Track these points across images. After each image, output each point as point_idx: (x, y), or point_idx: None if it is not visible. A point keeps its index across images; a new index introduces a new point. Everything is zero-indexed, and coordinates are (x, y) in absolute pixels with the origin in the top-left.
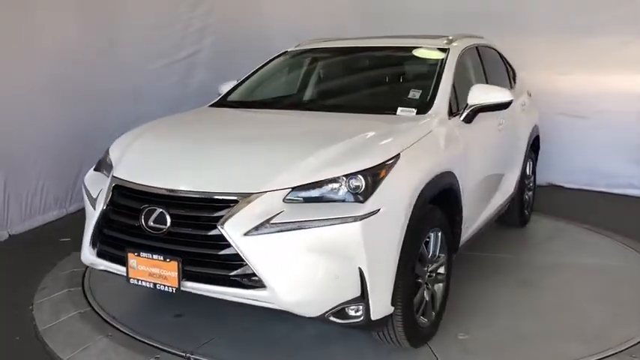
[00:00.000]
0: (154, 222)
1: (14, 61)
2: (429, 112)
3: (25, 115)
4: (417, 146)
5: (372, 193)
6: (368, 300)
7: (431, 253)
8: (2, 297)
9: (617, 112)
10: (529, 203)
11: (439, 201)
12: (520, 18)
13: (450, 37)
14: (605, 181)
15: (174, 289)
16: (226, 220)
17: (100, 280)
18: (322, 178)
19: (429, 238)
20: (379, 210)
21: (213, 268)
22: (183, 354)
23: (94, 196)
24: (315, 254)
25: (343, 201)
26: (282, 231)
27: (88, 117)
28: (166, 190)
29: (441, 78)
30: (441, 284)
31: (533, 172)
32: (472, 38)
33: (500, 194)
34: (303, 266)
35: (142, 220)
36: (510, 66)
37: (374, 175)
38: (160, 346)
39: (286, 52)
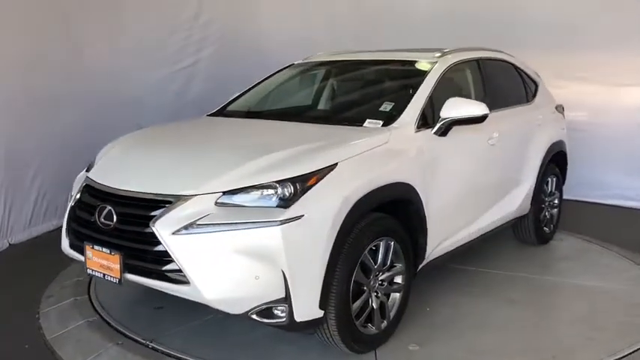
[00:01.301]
0: (104, 218)
1: (14, 72)
2: (394, 124)
3: (25, 125)
4: (361, 157)
5: (297, 199)
6: (291, 302)
7: (379, 261)
8: (7, 306)
9: (614, 125)
10: (550, 221)
11: (392, 211)
12: (518, 30)
13: (443, 51)
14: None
15: (117, 280)
16: (158, 219)
17: (105, 288)
18: (252, 184)
19: (375, 247)
20: (303, 216)
21: (148, 263)
22: (144, 340)
23: (72, 194)
24: (238, 255)
25: (272, 206)
26: (206, 232)
27: (88, 127)
28: (114, 189)
29: (416, 91)
30: (397, 294)
31: (559, 189)
32: (472, 51)
33: (498, 209)
34: (224, 266)
35: (97, 216)
36: (532, 80)
37: (302, 183)
38: (171, 352)
39: (293, 64)
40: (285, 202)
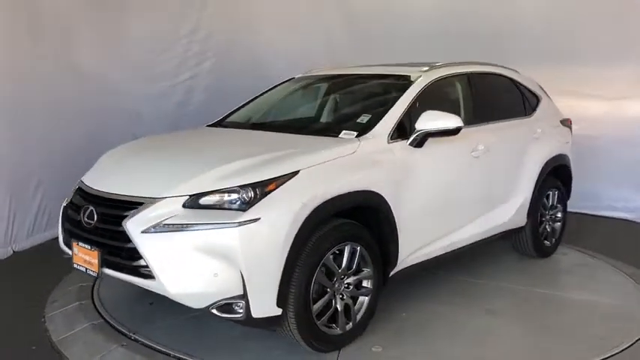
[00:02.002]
0: (87, 217)
1: (17, 85)
2: (366, 135)
3: (29, 136)
4: (325, 165)
5: (256, 203)
6: (248, 299)
7: (344, 265)
8: (14, 310)
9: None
10: (552, 234)
11: (360, 217)
12: (512, 44)
13: (430, 66)
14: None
15: (96, 273)
16: (130, 218)
17: (108, 292)
18: (217, 188)
19: (339, 251)
20: (259, 219)
21: (122, 259)
22: (128, 332)
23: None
24: (198, 253)
25: (234, 209)
26: (171, 231)
27: (90, 138)
28: (96, 191)
29: (393, 104)
30: (365, 297)
31: (561, 202)
32: (462, 66)
33: (486, 220)
34: (186, 263)
35: (82, 216)
36: (534, 94)
37: (262, 188)
38: (173, 353)
39: (293, 78)
40: (246, 206)
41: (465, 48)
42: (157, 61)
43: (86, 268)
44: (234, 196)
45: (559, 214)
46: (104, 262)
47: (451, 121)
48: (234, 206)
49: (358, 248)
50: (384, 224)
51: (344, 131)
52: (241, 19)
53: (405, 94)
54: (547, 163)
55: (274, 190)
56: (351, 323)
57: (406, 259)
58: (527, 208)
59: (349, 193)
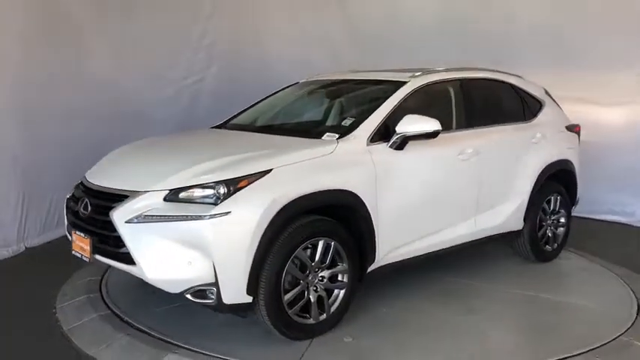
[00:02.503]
0: (83, 208)
1: (30, 87)
2: (346, 137)
3: (42, 137)
4: (300, 164)
5: (227, 198)
6: (219, 286)
7: (317, 259)
8: (26, 302)
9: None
10: (554, 239)
11: (336, 215)
12: (512, 50)
13: (421, 72)
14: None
15: (88, 259)
16: (115, 209)
17: (116, 286)
18: (194, 184)
19: (311, 245)
20: (229, 212)
21: (109, 246)
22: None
23: None
24: (174, 243)
25: (210, 203)
26: (151, 222)
27: (101, 139)
28: (91, 184)
29: (377, 108)
30: (341, 290)
31: (565, 208)
32: (455, 72)
33: (474, 223)
34: (163, 251)
35: (79, 207)
36: (537, 100)
37: (235, 184)
38: (174, 342)
39: (297, 83)
40: (219, 201)
41: (467, 53)
42: (165, 66)
43: (81, 254)
44: (210, 191)
45: (562, 220)
46: (95, 249)
47: (429, 124)
48: (209, 201)
49: (332, 243)
50: (361, 222)
51: (327, 133)
52: (246, 26)
53: (389, 99)
54: (546, 168)
55: (246, 186)
56: (325, 314)
57: (385, 256)
58: (524, 211)
59: (322, 192)
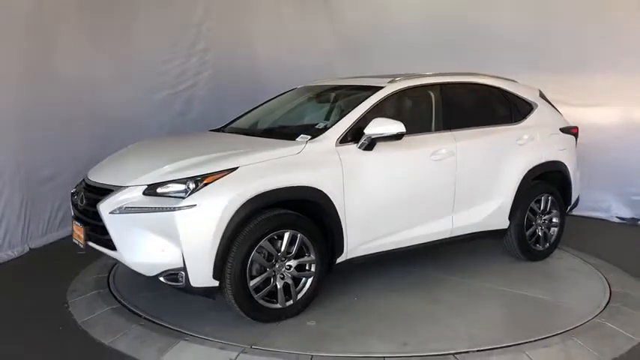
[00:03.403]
0: (80, 201)
1: (31, 93)
2: (317, 138)
3: (42, 142)
4: (266, 163)
5: (194, 192)
6: (187, 271)
7: (283, 249)
8: (36, 299)
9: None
10: (544, 239)
11: (304, 209)
12: (496, 53)
13: (397, 77)
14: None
15: (83, 245)
16: (102, 202)
17: (123, 282)
18: (168, 180)
19: (277, 236)
20: (195, 205)
21: (97, 234)
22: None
23: None
24: (149, 232)
25: (181, 197)
26: (129, 213)
27: (99, 143)
28: (88, 180)
29: (349, 112)
30: (309, 279)
31: (558, 208)
32: (434, 77)
33: (450, 220)
34: (139, 239)
35: (77, 200)
36: (527, 102)
37: (202, 180)
38: (184, 331)
39: (295, 89)
40: (186, 195)
41: (452, 57)
42: (159, 71)
43: (78, 242)
44: (181, 186)
45: (555, 220)
46: (87, 237)
47: (394, 127)
48: (181, 195)
49: (299, 235)
50: (328, 217)
51: (301, 135)
52: (238, 33)
53: (362, 104)
54: (533, 169)
55: (211, 182)
56: (291, 300)
57: (355, 249)
58: (508, 211)
59: (287, 188)
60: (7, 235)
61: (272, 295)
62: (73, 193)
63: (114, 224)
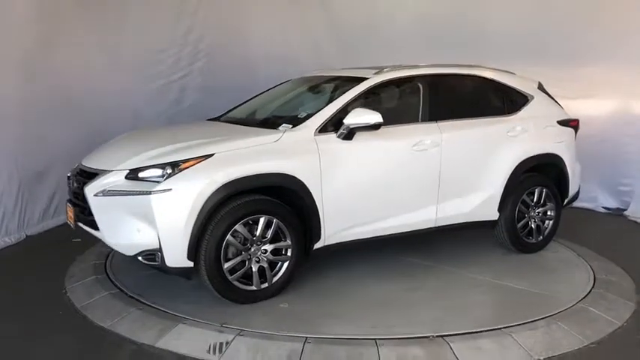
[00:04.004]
0: (72, 184)
1: (32, 82)
2: (296, 128)
3: (39, 131)
4: (242, 150)
5: (170, 177)
6: (162, 251)
7: (258, 233)
8: (35, 285)
9: None
10: (538, 231)
11: (279, 195)
12: (490, 46)
13: (381, 69)
14: None
15: (74, 225)
16: (87, 185)
17: (120, 268)
18: (147, 165)
19: (252, 221)
20: (170, 189)
21: (85, 215)
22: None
23: None
24: (127, 214)
25: (157, 181)
26: (111, 195)
27: (95, 132)
28: (80, 165)
29: (331, 102)
30: (285, 263)
31: (553, 200)
32: (423, 68)
33: (433, 210)
34: (119, 220)
35: (71, 183)
36: (522, 94)
37: (178, 166)
38: (182, 315)
39: (289, 80)
40: (163, 179)
41: (448, 49)
42: (153, 61)
43: (70, 222)
44: (160, 171)
45: (550, 212)
46: (77, 218)
47: (371, 117)
48: (159, 179)
49: (275, 221)
50: (304, 203)
51: (283, 124)
52: (231, 23)
53: (344, 94)
54: (524, 161)
55: (187, 168)
56: (266, 283)
57: (333, 236)
58: (498, 202)
59: (261, 174)
60: (4, 222)
61: (248, 278)
62: (68, 177)
63: (97, 206)
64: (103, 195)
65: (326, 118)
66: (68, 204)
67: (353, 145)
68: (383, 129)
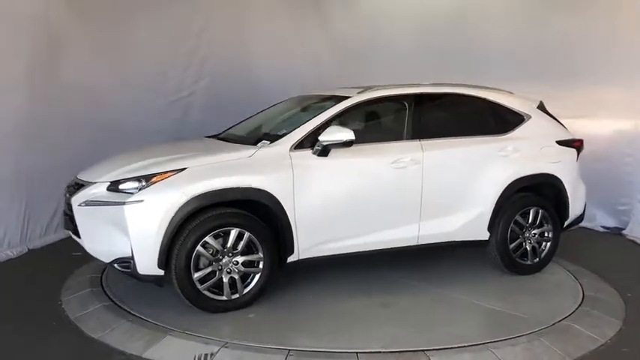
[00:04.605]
0: (65, 196)
1: (37, 97)
2: (272, 144)
3: (42, 146)
4: (215, 165)
5: (143, 189)
6: (134, 259)
7: (229, 245)
8: (32, 296)
9: None
10: (534, 253)
11: (253, 209)
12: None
13: (374, 88)
14: None
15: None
16: (74, 195)
17: (116, 282)
18: (124, 178)
19: (223, 233)
20: (142, 201)
21: (71, 223)
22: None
23: None
24: (104, 222)
25: (132, 193)
26: (92, 205)
27: (98, 149)
28: (74, 178)
29: (309, 120)
30: (257, 274)
31: (551, 222)
32: (411, 87)
33: (415, 228)
34: (96, 228)
35: (65, 195)
36: (517, 113)
37: (150, 179)
38: (170, 327)
39: (289, 99)
40: (136, 191)
41: (446, 67)
42: (158, 80)
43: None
44: (136, 184)
45: (548, 234)
46: (66, 225)
47: (343, 134)
48: (135, 191)
49: (246, 234)
50: (276, 217)
51: (263, 141)
52: (236, 43)
53: (323, 112)
54: (516, 181)
55: (159, 181)
56: (237, 294)
57: (307, 250)
58: (487, 222)
59: (232, 189)
60: (7, 236)
61: (220, 288)
62: (65, 189)
63: (79, 215)
64: (86, 205)
65: (302, 135)
66: (64, 213)
67: (329, 162)
68: (362, 146)
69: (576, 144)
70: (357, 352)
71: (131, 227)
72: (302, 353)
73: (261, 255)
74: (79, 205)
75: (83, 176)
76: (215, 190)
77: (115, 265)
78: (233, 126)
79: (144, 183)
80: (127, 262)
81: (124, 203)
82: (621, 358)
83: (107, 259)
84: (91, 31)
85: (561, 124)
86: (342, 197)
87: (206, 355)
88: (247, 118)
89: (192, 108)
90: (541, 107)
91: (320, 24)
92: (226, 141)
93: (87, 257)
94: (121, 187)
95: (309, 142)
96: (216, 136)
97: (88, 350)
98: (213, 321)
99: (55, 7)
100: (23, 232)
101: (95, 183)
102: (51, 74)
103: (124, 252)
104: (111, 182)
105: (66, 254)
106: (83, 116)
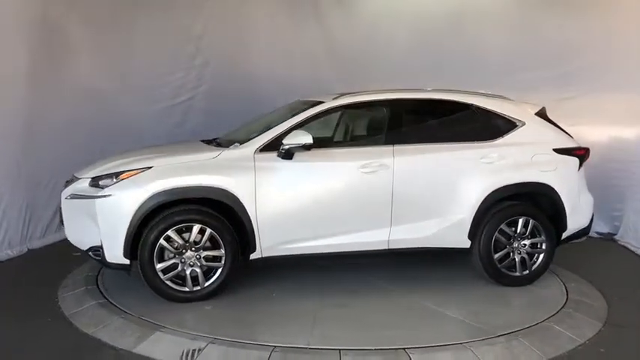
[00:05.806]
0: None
1: (38, 100)
2: (239, 146)
3: (43, 149)
4: (180, 164)
5: (112, 185)
6: (103, 249)
7: (191, 240)
8: (30, 294)
9: None
10: (523, 265)
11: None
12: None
13: (351, 94)
14: None
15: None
16: (63, 189)
17: (111, 280)
18: (99, 174)
19: (186, 229)
20: (110, 195)
21: (61, 215)
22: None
23: None
24: (82, 214)
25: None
26: (73, 199)
27: (99, 151)
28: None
29: (278, 124)
30: (219, 269)
31: (544, 232)
32: (390, 93)
33: (387, 233)
34: (75, 219)
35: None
36: (508, 120)
37: (118, 176)
38: (161, 324)
39: (286, 104)
40: (108, 186)
41: (448, 72)
42: (158, 84)
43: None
44: (109, 180)
45: (540, 245)
46: (60, 217)
47: (302, 138)
48: (106, 185)
49: (208, 230)
50: (237, 215)
51: (235, 143)
52: (235, 49)
53: (293, 117)
54: (499, 189)
55: (126, 178)
56: (199, 287)
57: (270, 248)
58: (467, 230)
59: (193, 187)
60: (7, 235)
61: (184, 280)
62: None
63: (65, 206)
64: (70, 198)
65: (269, 138)
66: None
67: (293, 165)
68: (332, 150)
69: (579, 152)
70: (339, 350)
71: (100, 219)
72: (287, 350)
73: (222, 251)
74: (66, 198)
75: (77, 173)
76: (176, 188)
77: (90, 253)
78: (231, 130)
79: (115, 179)
80: (98, 251)
81: (95, 197)
82: (598, 358)
83: (83, 248)
84: (91, 35)
85: (565, 131)
86: (305, 199)
87: (194, 350)
88: (248, 122)
89: (192, 111)
90: (540, 114)
91: (320, 28)
92: (220, 144)
93: (86, 257)
94: (100, 182)
95: (277, 145)
96: (214, 140)
97: (80, 345)
98: (176, 311)
99: (55, 10)
100: (23, 232)
101: (80, 179)
102: (52, 76)
103: (95, 241)
104: (92, 178)
105: (65, 254)
106: (83, 117)
